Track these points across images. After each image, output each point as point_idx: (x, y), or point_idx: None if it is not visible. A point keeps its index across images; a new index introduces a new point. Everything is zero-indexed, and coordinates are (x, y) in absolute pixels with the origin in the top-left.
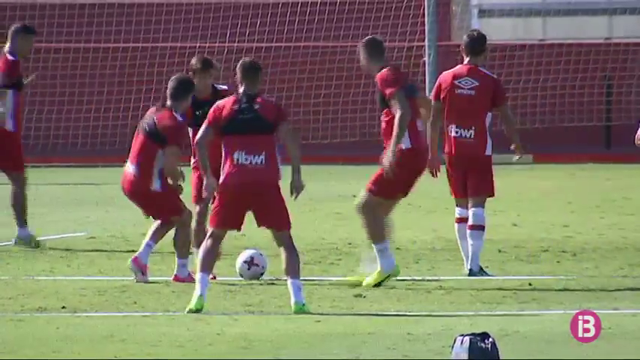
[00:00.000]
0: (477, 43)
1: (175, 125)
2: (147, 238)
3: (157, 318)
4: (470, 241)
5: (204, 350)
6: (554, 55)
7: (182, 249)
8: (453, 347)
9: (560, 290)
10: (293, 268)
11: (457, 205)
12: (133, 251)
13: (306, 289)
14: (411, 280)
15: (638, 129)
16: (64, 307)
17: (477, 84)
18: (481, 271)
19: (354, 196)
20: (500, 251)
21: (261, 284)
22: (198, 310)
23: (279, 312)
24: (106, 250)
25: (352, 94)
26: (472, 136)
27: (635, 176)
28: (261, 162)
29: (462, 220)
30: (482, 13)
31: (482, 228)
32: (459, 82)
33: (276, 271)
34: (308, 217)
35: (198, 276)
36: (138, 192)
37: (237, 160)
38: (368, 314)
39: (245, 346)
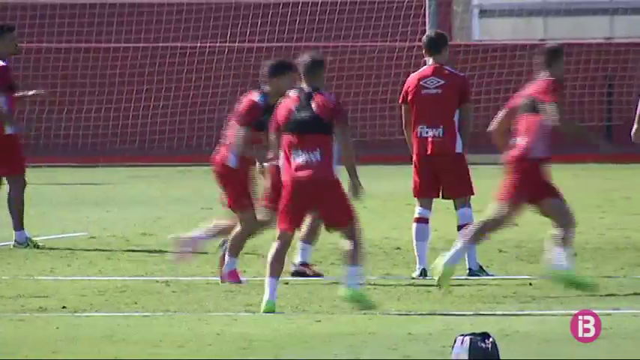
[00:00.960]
0: (435, 43)
1: (244, 106)
2: (227, 251)
3: (158, 318)
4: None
5: (205, 350)
6: None
7: (234, 247)
8: (453, 347)
9: (560, 290)
10: (349, 256)
11: (419, 205)
12: (133, 251)
13: (306, 288)
14: (411, 279)
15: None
16: (64, 307)
17: (443, 82)
18: (481, 270)
19: None
20: (500, 251)
21: (259, 284)
22: (270, 311)
23: (279, 312)
24: (106, 250)
25: (352, 94)
26: (441, 135)
27: (635, 176)
28: (317, 159)
29: (422, 220)
30: (483, 13)
31: None
32: (425, 83)
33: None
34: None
35: (267, 280)
36: (217, 165)
37: (295, 159)
38: (368, 314)
39: (245, 347)
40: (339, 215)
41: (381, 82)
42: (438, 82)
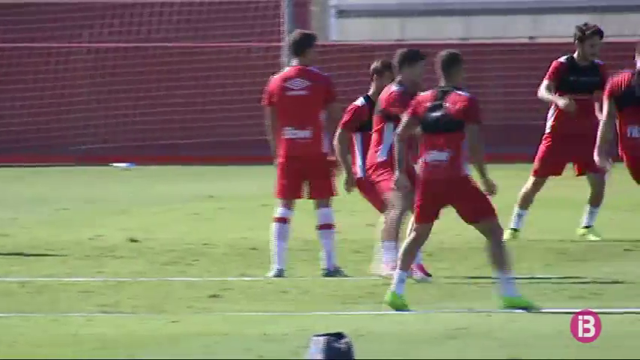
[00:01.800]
0: (299, 44)
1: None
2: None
3: (12, 319)
4: (322, 241)
5: (60, 351)
6: None
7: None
8: (308, 347)
9: (416, 290)
10: (495, 260)
11: (282, 206)
12: None
13: (162, 290)
14: (267, 280)
15: None
16: None
17: (308, 84)
18: (337, 271)
19: (212, 196)
20: (356, 252)
21: (114, 285)
22: (394, 305)
23: (134, 312)
24: None
25: (210, 94)
26: (308, 136)
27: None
28: (446, 159)
29: (283, 220)
30: (341, 13)
31: (332, 227)
32: (289, 84)
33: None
34: (165, 218)
35: (396, 272)
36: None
37: (425, 157)
38: (224, 314)
39: (100, 347)
40: (474, 211)
41: (238, 83)
42: (303, 83)
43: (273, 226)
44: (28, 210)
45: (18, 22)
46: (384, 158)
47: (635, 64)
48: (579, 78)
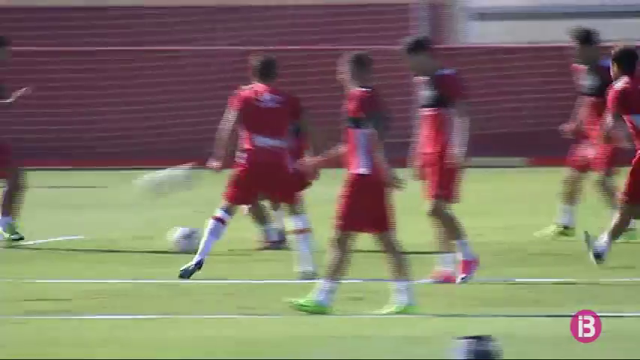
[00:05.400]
0: (271, 66)
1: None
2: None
3: None
4: None
5: None
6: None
7: None
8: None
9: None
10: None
11: (222, 209)
12: None
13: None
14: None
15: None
16: None
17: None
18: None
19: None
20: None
21: None
22: None
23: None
24: None
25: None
26: (277, 145)
27: None
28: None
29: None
30: (480, 16)
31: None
32: (260, 98)
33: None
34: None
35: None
36: None
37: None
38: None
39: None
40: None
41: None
42: (274, 98)
43: None
44: None
45: None
46: None
47: None
48: None
